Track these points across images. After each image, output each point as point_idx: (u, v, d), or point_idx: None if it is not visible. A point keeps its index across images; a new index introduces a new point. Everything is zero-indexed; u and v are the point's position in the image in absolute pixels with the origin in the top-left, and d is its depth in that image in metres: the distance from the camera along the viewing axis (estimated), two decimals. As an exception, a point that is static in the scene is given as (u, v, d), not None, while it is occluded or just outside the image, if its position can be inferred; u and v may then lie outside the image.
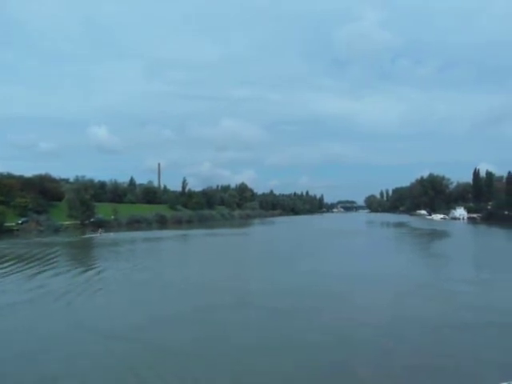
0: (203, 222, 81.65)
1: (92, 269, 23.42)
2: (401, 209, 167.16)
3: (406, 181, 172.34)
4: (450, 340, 10.96)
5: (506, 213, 77.43)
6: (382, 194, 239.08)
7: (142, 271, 22.76)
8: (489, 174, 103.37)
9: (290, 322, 12.60)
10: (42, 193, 62.34)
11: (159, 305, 15.22)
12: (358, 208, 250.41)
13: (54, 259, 27.51)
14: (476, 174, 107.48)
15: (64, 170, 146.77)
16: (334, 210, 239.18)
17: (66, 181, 79.76)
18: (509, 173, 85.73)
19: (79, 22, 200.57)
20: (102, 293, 17.07)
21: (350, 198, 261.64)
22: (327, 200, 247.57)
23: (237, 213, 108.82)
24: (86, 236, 46.61)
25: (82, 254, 32.49)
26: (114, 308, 14.84)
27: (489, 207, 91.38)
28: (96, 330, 12.11)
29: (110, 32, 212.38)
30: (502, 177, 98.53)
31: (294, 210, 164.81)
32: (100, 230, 51.12)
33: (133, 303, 15.46)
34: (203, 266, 24.60)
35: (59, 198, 64.34)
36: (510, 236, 50.19)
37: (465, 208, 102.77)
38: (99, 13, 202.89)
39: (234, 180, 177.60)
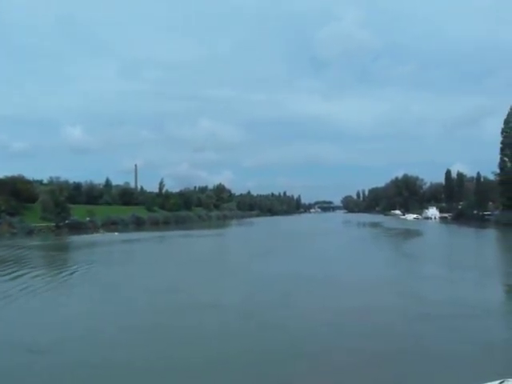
0: (180, 224, 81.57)
1: (53, 271, 23.00)
2: (376, 209, 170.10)
3: (382, 181, 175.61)
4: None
5: (476, 212, 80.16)
6: (358, 194, 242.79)
7: (98, 274, 22.03)
8: (460, 175, 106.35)
9: (247, 322, 12.77)
10: (15, 194, 61.08)
11: (103, 313, 13.95)
12: (335, 208, 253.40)
13: (17, 262, 26.59)
14: (448, 174, 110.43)
15: (38, 171, 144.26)
16: (312, 210, 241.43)
17: (40, 182, 78.50)
18: (478, 174, 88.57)
19: (53, 18, 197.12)
20: (46, 297, 16.29)
21: (327, 199, 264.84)
22: (305, 200, 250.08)
23: (214, 214, 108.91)
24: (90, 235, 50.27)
25: (50, 257, 31.66)
26: (53, 315, 13.72)
27: (460, 207, 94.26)
28: (15, 340, 10.99)
29: (85, 29, 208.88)
30: (473, 177, 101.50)
31: (271, 211, 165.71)
32: (101, 230, 57.38)
33: (77, 309, 14.48)
34: (166, 270, 23.84)
35: (33, 200, 63.23)
36: (476, 235, 52.07)
37: (437, 208, 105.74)
38: (74, 10, 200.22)
39: (211, 181, 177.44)
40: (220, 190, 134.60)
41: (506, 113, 67.92)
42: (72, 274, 21.98)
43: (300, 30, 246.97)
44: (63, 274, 21.83)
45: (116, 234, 53.73)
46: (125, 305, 15.09)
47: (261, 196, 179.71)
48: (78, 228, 60.28)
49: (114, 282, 19.78)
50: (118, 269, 24.63)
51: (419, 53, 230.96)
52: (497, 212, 71.29)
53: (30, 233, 52.95)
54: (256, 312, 13.85)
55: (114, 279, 20.72)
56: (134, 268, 24.87)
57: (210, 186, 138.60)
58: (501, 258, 29.20)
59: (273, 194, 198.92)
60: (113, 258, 30.52)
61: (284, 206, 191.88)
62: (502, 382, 5.01)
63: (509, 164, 67.04)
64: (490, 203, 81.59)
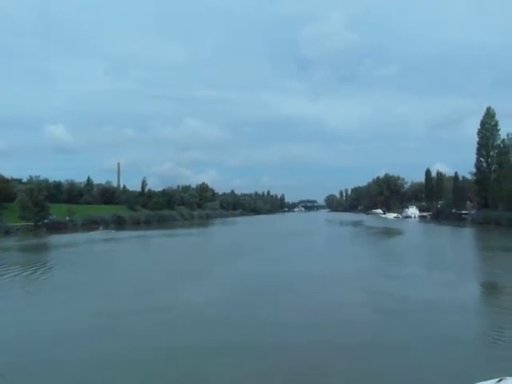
0: (162, 223, 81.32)
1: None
2: (359, 208, 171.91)
3: (365, 181, 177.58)
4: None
5: (454, 211, 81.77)
6: (341, 193, 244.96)
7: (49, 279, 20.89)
8: (439, 175, 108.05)
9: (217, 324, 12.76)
10: (-8, 193, 60.41)
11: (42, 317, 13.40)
12: (318, 207, 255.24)
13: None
14: (428, 174, 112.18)
15: (18, 170, 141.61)
16: (296, 209, 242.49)
17: (19, 181, 77.47)
18: (455, 173, 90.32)
19: (36, 16, 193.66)
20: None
21: (310, 198, 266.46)
22: (288, 199, 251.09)
23: (196, 213, 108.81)
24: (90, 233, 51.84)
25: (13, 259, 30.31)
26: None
27: (438, 206, 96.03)
28: None
29: (69, 28, 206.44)
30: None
31: (255, 210, 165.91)
32: (100, 227, 58.10)
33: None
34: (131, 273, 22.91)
35: (11, 199, 62.44)
36: (450, 233, 53.13)
37: (417, 207, 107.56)
38: (58, 8, 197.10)
39: (196, 180, 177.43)
40: (203, 189, 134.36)
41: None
42: (29, 275, 21.35)
43: (285, 30, 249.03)
44: (20, 276, 21.18)
45: (113, 231, 55.88)
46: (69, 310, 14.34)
47: (245, 195, 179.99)
48: (57, 227, 59.83)
49: (67, 285, 18.83)
50: (79, 271, 23.53)
51: (402, 55, 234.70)
52: (473, 211, 72.85)
53: (6, 232, 52.30)
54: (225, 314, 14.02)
55: (69, 282, 19.74)
56: (98, 270, 23.98)
57: (194, 186, 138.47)
58: (472, 256, 29.93)
59: (257, 193, 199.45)
60: (81, 260, 29.27)
61: (268, 205, 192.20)
62: (500, 380, 5.14)
63: (484, 164, 68.61)
64: (468, 202, 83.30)
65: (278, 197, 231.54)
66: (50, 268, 24.04)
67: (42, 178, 77.81)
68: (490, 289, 18.04)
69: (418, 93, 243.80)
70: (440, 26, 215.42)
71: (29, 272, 22.33)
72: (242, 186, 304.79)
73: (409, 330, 11.58)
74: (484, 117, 68.75)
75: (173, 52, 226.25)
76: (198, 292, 16.91)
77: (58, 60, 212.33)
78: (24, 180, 78.08)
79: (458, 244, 39.34)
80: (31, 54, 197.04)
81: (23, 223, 57.69)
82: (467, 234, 51.66)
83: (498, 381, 5.13)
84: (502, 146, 65.98)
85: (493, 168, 67.48)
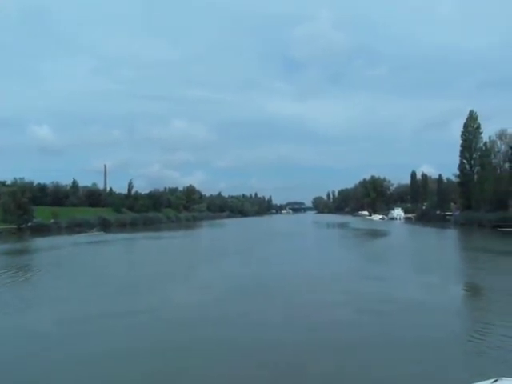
0: (148, 225, 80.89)
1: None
2: (346, 210, 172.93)
3: (352, 182, 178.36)
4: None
5: (438, 212, 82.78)
6: (328, 195, 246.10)
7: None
8: (424, 176, 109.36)
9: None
10: (-26, 196, 59.50)
11: None
12: (306, 209, 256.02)
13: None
14: (413, 176, 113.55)
15: (2, 172, 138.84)
16: (283, 211, 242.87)
17: (3, 183, 76.47)
18: (439, 175, 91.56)
19: (22, 14, 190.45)
20: None
21: (298, 200, 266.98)
22: (276, 201, 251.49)
23: (183, 215, 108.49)
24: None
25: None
26: None
27: (423, 207, 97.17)
28: None
29: (54, 26, 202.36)
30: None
31: (242, 212, 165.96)
32: (94, 229, 60.92)
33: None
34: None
35: (-6, 202, 61.61)
36: (433, 235, 53.92)
37: (402, 208, 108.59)
38: (47, 5, 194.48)
39: (183, 182, 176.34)
40: (190, 191, 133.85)
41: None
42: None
43: (274, 31, 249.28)
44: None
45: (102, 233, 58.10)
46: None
47: (232, 197, 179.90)
48: (41, 230, 59.16)
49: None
50: (64, 275, 23.16)
51: (391, 56, 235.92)
52: (457, 212, 73.82)
53: (-12, 236, 51.57)
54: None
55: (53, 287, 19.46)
56: (81, 274, 23.61)
57: (182, 188, 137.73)
58: (453, 258, 30.31)
59: (244, 196, 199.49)
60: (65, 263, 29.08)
61: (255, 207, 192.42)
62: (496, 380, 5.09)
63: (467, 166, 69.56)
64: (452, 204, 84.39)
65: (266, 199, 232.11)
66: (28, 272, 23.72)
67: (26, 179, 77.07)
68: (473, 290, 18.29)
69: (406, 94, 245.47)
70: (429, 27, 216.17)
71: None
72: (230, 187, 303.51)
73: (393, 330, 11.77)
74: (467, 120, 69.74)
75: (160, 51, 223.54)
76: (183, 294, 17.04)
77: (44, 59, 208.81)
78: (8, 182, 77.14)
79: (441, 245, 39.75)
80: (17, 51, 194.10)
81: (5, 226, 56.96)
82: (449, 235, 52.39)
83: (494, 381, 5.10)
84: (484, 148, 66.99)
85: (475, 170, 68.47)
